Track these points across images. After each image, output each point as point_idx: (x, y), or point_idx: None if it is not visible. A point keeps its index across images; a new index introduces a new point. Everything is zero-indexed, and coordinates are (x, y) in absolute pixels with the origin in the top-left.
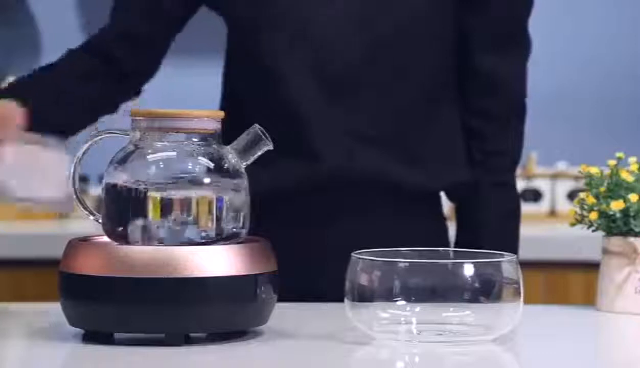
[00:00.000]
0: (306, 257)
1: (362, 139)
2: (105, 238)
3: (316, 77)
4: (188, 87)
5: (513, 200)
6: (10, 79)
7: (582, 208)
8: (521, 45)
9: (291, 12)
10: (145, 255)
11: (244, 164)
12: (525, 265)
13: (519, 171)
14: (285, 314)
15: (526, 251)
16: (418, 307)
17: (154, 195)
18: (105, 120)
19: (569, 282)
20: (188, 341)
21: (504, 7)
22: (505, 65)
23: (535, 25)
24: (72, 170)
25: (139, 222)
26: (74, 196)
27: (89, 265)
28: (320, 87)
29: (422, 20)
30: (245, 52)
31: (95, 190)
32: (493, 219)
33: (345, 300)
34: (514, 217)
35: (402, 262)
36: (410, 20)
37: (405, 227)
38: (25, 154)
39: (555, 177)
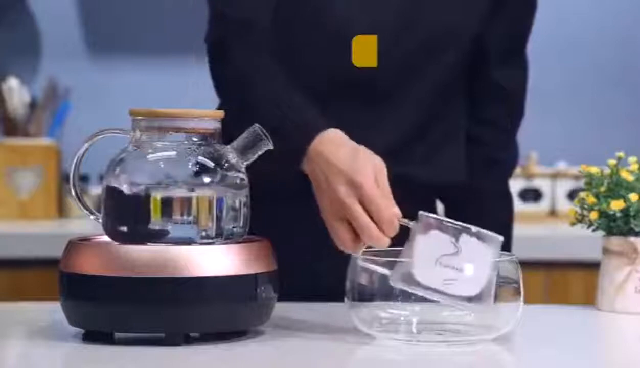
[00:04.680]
0: (306, 255)
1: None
2: (105, 238)
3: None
4: (186, 87)
5: (511, 207)
6: (11, 79)
7: (582, 208)
8: (527, 61)
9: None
10: (145, 255)
11: (244, 163)
12: (525, 265)
13: (519, 171)
14: (285, 314)
15: (526, 251)
16: (418, 307)
17: (154, 195)
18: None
19: (569, 282)
20: (188, 341)
21: (521, 21)
22: (518, 78)
23: (537, 25)
24: (72, 170)
25: (139, 221)
26: (75, 197)
27: (89, 265)
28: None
29: (452, 35)
30: None
31: (95, 190)
32: (491, 225)
33: (345, 300)
34: (510, 224)
35: (402, 261)
36: (443, 33)
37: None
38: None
39: (555, 177)
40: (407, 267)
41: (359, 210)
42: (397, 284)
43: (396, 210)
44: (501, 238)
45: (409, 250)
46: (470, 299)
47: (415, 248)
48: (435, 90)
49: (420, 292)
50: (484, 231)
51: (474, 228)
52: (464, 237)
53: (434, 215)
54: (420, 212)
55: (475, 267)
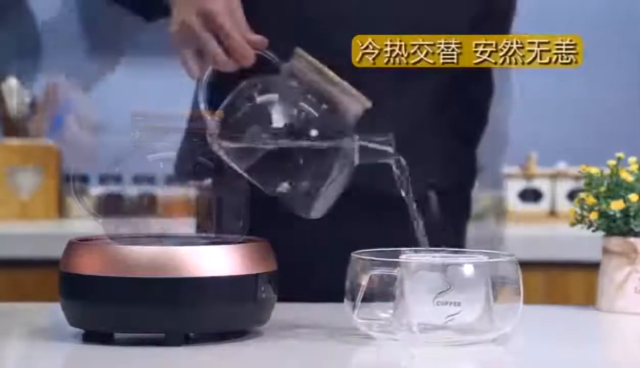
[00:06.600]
0: (306, 255)
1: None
2: (105, 239)
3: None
4: (186, 87)
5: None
6: (11, 79)
7: (582, 208)
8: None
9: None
10: (145, 255)
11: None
12: (525, 265)
13: (519, 171)
14: (285, 314)
15: (526, 251)
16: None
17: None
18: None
19: (569, 282)
20: (188, 341)
21: (499, 31)
22: (483, 86)
23: (536, 24)
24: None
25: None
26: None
27: (89, 265)
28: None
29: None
30: None
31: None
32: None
33: (345, 300)
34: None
35: (402, 261)
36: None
37: (399, 226)
38: None
39: (555, 177)
40: (407, 316)
41: (207, 36)
42: (402, 334)
43: (254, 38)
44: (485, 259)
45: (401, 297)
46: (476, 327)
47: (407, 294)
48: (433, 92)
49: (426, 334)
50: (468, 260)
51: (457, 259)
52: (451, 270)
53: (414, 256)
54: (400, 258)
55: (471, 295)
